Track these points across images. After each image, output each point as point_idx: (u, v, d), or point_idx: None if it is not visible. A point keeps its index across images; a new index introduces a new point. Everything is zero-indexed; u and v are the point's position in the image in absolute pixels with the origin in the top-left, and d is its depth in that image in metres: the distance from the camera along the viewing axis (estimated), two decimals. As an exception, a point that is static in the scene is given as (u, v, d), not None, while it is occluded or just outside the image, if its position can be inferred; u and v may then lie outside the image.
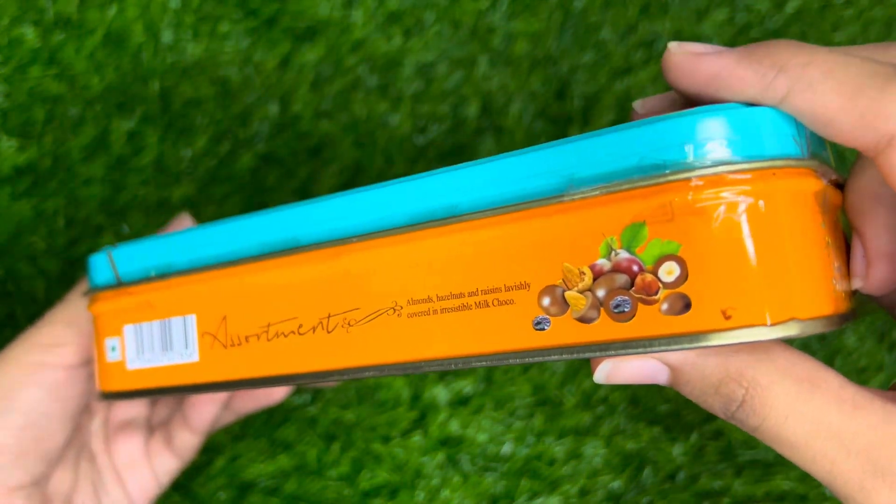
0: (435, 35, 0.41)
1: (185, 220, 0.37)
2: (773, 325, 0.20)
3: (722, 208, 0.21)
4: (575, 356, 0.22)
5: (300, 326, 0.27)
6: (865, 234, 0.25)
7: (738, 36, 0.41)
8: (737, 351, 0.22)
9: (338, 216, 0.26)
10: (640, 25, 0.41)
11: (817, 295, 0.22)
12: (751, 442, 0.40)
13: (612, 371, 0.23)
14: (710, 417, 0.40)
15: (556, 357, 0.22)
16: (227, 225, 0.29)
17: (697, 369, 0.22)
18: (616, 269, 0.21)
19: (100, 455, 0.36)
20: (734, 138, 0.21)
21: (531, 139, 0.41)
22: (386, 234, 0.25)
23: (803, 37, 0.41)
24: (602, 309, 0.22)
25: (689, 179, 0.20)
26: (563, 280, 0.22)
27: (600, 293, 0.22)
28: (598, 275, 0.22)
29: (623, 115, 0.41)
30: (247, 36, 0.41)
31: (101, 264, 0.32)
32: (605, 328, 0.22)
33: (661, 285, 0.21)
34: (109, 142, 0.41)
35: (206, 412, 0.36)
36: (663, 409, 0.40)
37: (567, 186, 0.22)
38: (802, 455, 0.22)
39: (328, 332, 0.26)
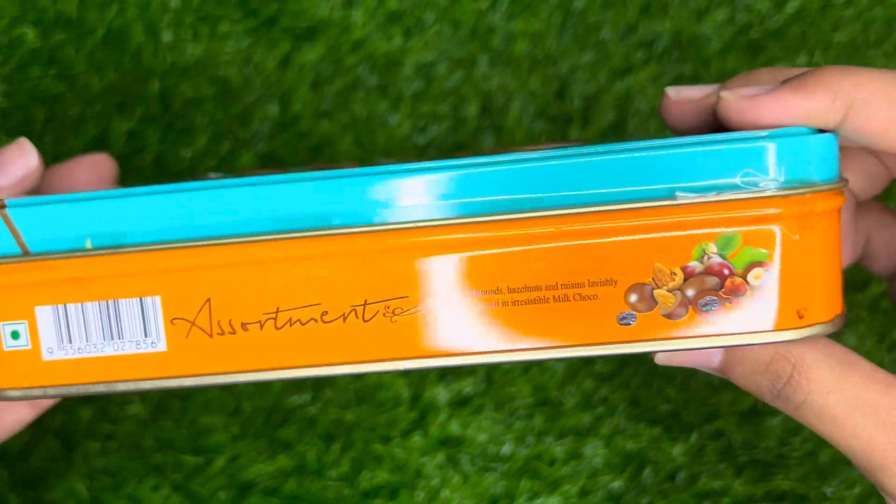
0: (435, 35, 0.41)
1: (24, 146, 0.29)
2: (829, 321, 0.24)
3: (805, 222, 0.24)
4: (660, 349, 0.25)
5: (324, 314, 0.24)
6: None
7: (738, 36, 0.41)
8: None
9: (389, 200, 0.24)
10: (640, 25, 0.41)
11: (841, 294, 0.25)
12: (751, 442, 0.40)
13: (672, 353, 0.26)
14: (710, 417, 0.40)
15: (640, 350, 0.25)
16: (220, 192, 0.24)
17: (749, 349, 0.25)
18: (708, 271, 0.24)
19: None
20: (816, 160, 0.24)
21: (531, 139, 0.41)
22: (447, 223, 0.24)
23: (803, 37, 0.41)
24: (690, 307, 0.24)
25: (784, 196, 0.23)
26: (654, 279, 0.24)
27: (689, 292, 0.24)
28: (689, 276, 0.24)
29: (623, 115, 0.41)
30: (247, 36, 0.41)
31: None
32: (691, 324, 0.24)
33: (748, 288, 0.24)
34: (109, 142, 0.41)
35: (22, 409, 0.30)
36: (663, 409, 0.40)
37: (673, 193, 0.24)
38: (843, 429, 0.24)
39: (364, 321, 0.24)
